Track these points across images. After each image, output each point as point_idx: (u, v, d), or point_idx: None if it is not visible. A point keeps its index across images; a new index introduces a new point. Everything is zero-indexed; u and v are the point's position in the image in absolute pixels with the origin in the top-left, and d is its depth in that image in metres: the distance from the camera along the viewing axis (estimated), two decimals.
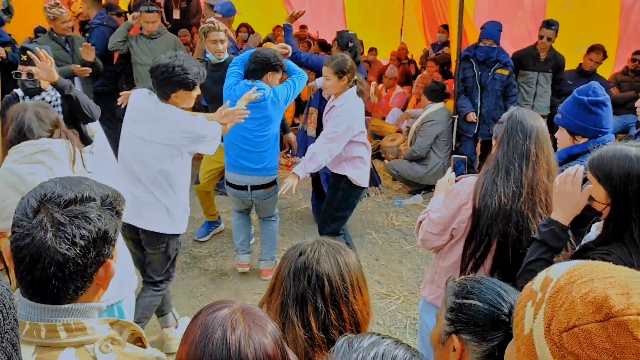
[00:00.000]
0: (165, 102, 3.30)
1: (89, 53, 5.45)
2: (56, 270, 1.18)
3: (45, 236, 1.17)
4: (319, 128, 5.09)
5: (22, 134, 2.58)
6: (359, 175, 4.35)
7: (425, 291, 2.70)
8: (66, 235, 1.18)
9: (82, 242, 1.19)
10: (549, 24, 6.28)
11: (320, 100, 5.26)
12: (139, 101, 3.37)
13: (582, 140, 2.69)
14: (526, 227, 2.29)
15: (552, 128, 7.26)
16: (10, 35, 5.54)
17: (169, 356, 1.55)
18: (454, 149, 6.32)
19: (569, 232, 2.12)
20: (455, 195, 2.45)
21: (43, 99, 3.67)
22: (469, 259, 2.40)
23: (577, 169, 2.06)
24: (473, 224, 2.37)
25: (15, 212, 1.22)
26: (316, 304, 1.58)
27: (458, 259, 2.47)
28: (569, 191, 2.06)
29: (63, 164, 2.52)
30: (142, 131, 3.30)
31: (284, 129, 5.43)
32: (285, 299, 1.61)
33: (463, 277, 1.66)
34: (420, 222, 2.63)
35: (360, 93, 4.22)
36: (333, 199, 4.44)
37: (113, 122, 6.81)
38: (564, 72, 6.57)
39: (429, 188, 6.42)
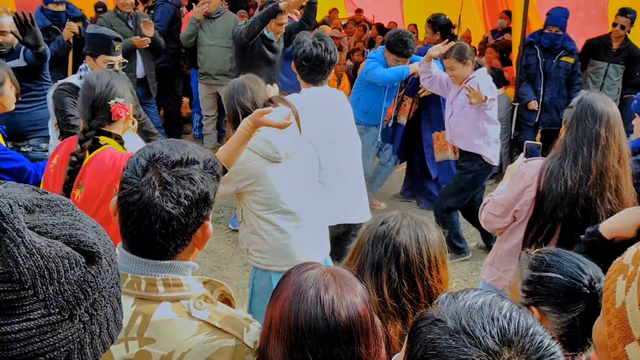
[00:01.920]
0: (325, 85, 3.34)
1: (148, 28, 5.63)
2: (161, 227, 1.23)
3: (153, 194, 1.22)
4: (414, 117, 5.46)
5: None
6: (494, 154, 4.50)
7: (485, 273, 2.70)
8: (172, 194, 1.23)
9: (186, 202, 1.24)
10: (624, 12, 5.98)
11: (414, 90, 5.40)
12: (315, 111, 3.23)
13: None
14: (593, 213, 2.25)
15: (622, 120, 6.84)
16: (81, 10, 5.73)
17: None
18: (512, 137, 6.19)
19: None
20: (520, 178, 2.43)
21: None
22: (530, 242, 2.37)
23: None
24: (536, 207, 2.35)
25: (124, 170, 1.28)
26: (390, 272, 1.61)
27: (519, 241, 2.45)
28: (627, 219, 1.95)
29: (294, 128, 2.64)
30: (340, 130, 3.38)
31: None
32: (362, 264, 1.65)
33: (539, 249, 1.66)
34: (485, 204, 2.63)
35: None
36: (461, 180, 4.60)
37: (173, 99, 6.99)
38: (638, 66, 6.19)
39: None
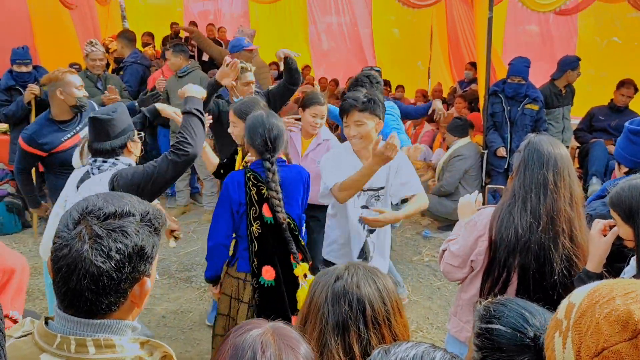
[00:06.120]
0: None
1: (111, 98, 5.47)
2: (90, 283, 1.17)
3: (82, 247, 1.17)
4: None
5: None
6: None
7: (450, 324, 2.63)
8: (102, 247, 1.18)
9: (117, 256, 1.19)
10: (577, 59, 6.45)
11: None
12: None
13: (624, 170, 2.65)
14: (548, 258, 2.19)
15: (579, 159, 6.99)
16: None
17: None
18: (483, 184, 6.24)
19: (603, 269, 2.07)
20: (472, 227, 2.39)
21: None
22: (488, 292, 2.30)
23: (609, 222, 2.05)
24: (490, 257, 2.29)
25: (58, 224, 1.23)
26: (359, 329, 1.52)
27: (478, 291, 2.39)
28: (594, 236, 2.04)
29: None
30: None
31: None
32: (323, 326, 1.55)
33: (489, 300, 1.59)
34: (443, 252, 2.58)
35: None
36: None
37: (145, 158, 6.95)
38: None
39: None
